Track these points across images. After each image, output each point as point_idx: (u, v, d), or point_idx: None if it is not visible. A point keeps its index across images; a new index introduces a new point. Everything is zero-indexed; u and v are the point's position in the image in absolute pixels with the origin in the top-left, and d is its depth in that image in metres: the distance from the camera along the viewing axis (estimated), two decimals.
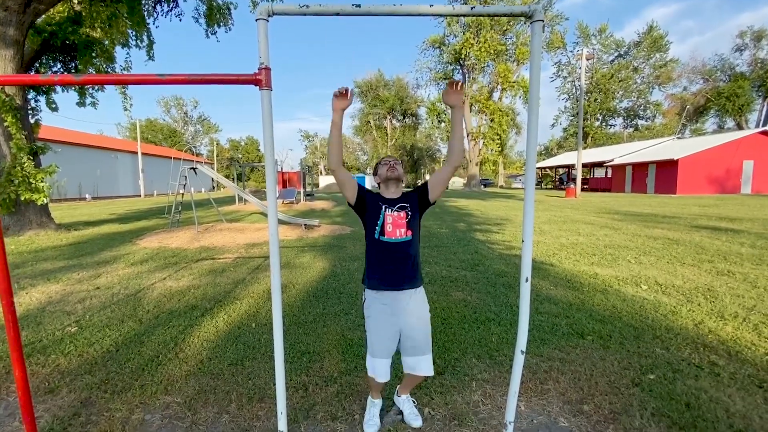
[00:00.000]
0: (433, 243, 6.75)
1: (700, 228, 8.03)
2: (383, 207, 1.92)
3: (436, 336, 2.84)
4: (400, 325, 1.90)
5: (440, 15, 1.61)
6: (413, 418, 1.99)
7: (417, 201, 1.95)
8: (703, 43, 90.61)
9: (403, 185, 2.06)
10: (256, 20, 1.52)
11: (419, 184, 2.05)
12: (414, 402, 2.09)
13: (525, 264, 1.52)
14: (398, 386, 2.14)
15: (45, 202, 8.04)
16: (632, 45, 43.99)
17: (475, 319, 3.19)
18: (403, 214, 1.91)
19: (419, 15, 1.58)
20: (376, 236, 1.90)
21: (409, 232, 1.90)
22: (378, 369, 1.89)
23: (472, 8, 1.59)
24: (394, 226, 1.89)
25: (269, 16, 1.51)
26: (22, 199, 7.72)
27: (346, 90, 1.74)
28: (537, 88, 1.56)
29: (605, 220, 9.87)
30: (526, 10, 1.52)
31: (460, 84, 1.79)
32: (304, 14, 1.57)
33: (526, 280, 1.52)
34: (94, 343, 2.84)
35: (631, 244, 6.37)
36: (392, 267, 1.89)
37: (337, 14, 1.58)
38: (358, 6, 1.54)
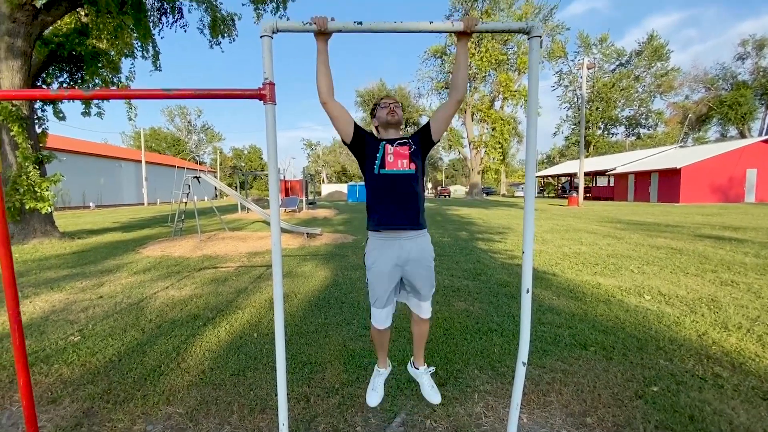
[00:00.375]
0: (435, 252, 6.74)
1: (704, 237, 7.99)
2: (383, 142, 1.83)
3: (438, 347, 2.84)
4: (403, 271, 1.87)
5: (439, 32, 1.64)
6: (432, 393, 2.01)
7: (419, 139, 1.87)
8: (704, 51, 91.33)
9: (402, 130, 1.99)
10: (261, 37, 1.56)
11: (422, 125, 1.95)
12: (432, 371, 2.12)
13: (526, 275, 1.53)
14: (412, 357, 2.16)
15: (49, 210, 8.10)
16: (633, 54, 44.26)
17: (477, 329, 3.18)
18: (404, 148, 1.81)
19: (419, 32, 1.61)
20: (376, 171, 1.79)
21: (413, 165, 1.79)
22: (378, 317, 1.91)
23: None
24: (396, 156, 1.79)
25: (274, 32, 1.55)
26: (27, 207, 7.79)
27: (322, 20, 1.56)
28: (535, 103, 1.59)
29: (608, 230, 9.85)
30: (524, 26, 1.56)
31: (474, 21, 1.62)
32: (307, 31, 1.62)
33: (527, 291, 1.53)
34: (97, 352, 2.84)
35: (634, 254, 6.34)
36: (395, 203, 1.79)
37: (339, 31, 1.63)
38: (360, 23, 1.57)
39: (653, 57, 42.65)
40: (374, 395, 2.01)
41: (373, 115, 2.00)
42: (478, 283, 4.66)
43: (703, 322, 3.25)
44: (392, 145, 1.82)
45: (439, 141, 1.94)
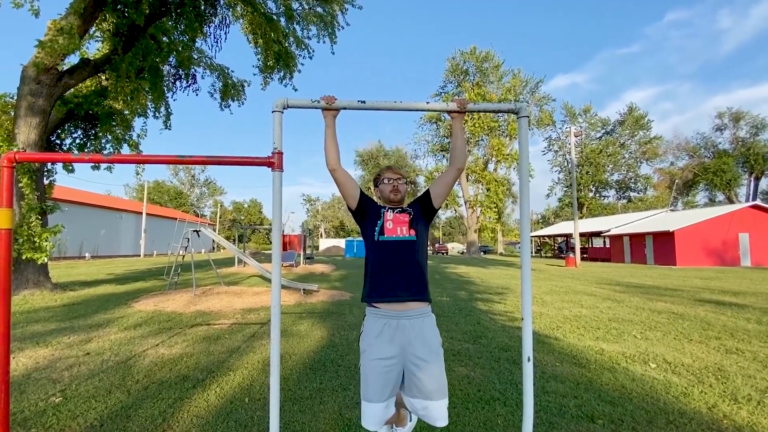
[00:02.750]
0: (434, 312, 6.62)
1: (704, 302, 7.92)
2: (383, 209, 1.86)
3: None
4: (403, 358, 1.68)
5: (435, 111, 1.82)
6: None
7: (420, 207, 1.89)
8: (683, 122, 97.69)
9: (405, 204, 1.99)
10: (272, 112, 1.72)
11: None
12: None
13: (526, 344, 1.54)
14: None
15: (45, 261, 8.03)
16: (617, 123, 46.97)
17: (480, 398, 3.05)
18: (404, 215, 1.83)
19: (417, 110, 1.79)
20: (376, 237, 1.78)
21: (412, 232, 1.78)
22: (371, 416, 1.63)
23: None
24: (395, 223, 1.79)
25: (284, 108, 1.72)
26: (24, 258, 7.73)
27: (329, 98, 1.76)
28: (526, 174, 1.71)
29: (607, 292, 9.76)
30: (513, 107, 1.73)
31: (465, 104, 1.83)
32: (315, 108, 1.79)
33: (528, 360, 1.52)
34: (78, 416, 2.69)
35: (636, 318, 6.25)
36: (395, 272, 1.73)
37: (345, 108, 1.80)
38: (363, 102, 1.75)
39: (635, 126, 45.26)
40: None
41: (376, 185, 2.05)
42: (478, 346, 4.53)
43: (711, 393, 3.14)
44: (392, 212, 1.85)
45: (440, 208, 1.97)
